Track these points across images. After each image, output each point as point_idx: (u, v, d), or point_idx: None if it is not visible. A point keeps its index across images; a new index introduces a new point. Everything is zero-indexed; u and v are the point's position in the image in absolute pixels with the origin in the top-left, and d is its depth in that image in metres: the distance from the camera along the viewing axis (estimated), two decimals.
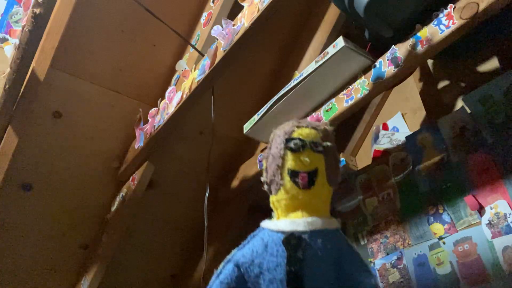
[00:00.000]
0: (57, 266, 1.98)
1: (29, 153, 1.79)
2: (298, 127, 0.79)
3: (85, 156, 1.93)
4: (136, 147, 1.86)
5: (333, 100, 1.40)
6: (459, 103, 1.55)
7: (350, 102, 1.32)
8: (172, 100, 1.67)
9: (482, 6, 0.99)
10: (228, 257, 0.78)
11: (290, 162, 0.76)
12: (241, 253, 0.75)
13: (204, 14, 1.78)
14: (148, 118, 1.82)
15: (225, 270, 0.75)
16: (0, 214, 1.82)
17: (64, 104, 1.81)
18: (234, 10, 1.59)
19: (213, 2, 1.75)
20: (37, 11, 1.35)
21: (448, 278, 1.37)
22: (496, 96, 1.34)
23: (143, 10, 1.55)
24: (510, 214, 1.24)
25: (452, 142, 1.43)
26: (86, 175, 1.96)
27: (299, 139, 0.77)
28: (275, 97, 1.47)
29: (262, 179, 0.81)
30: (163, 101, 1.76)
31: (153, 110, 1.81)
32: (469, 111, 1.41)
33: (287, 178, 0.76)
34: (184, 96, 1.61)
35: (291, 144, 0.77)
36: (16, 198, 1.83)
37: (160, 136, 1.76)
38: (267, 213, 0.84)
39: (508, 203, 1.24)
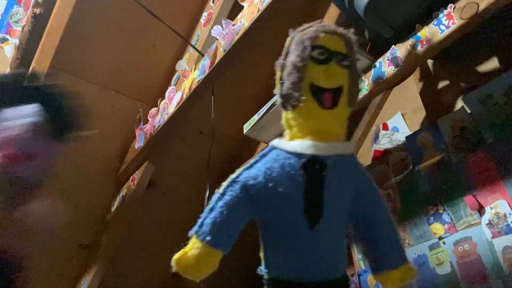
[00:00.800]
0: (57, 266, 1.98)
1: None
2: (324, 32, 0.66)
3: (85, 156, 1.93)
4: (136, 147, 1.86)
5: None
6: (459, 103, 1.55)
7: None
8: (172, 100, 1.67)
9: (482, 6, 0.99)
10: (233, 176, 0.67)
11: (313, 75, 0.65)
12: (250, 174, 0.66)
13: (204, 14, 1.78)
14: (148, 118, 1.82)
15: (231, 191, 0.65)
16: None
17: None
18: (234, 10, 1.59)
19: (213, 2, 1.75)
20: (37, 11, 1.35)
21: (448, 278, 1.37)
22: (496, 96, 1.34)
23: (143, 10, 1.55)
24: (510, 214, 1.24)
25: (452, 142, 1.43)
26: (86, 175, 1.96)
27: (326, 48, 0.66)
28: (275, 97, 1.46)
29: (276, 91, 0.71)
30: (163, 101, 1.76)
31: (153, 110, 1.81)
32: (469, 111, 1.41)
33: (308, 93, 0.65)
34: (184, 96, 1.61)
35: (316, 54, 0.65)
36: None
37: (160, 136, 1.76)
38: None
39: (508, 203, 1.24)
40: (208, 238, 0.62)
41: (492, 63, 1.51)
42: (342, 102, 0.66)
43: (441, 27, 1.08)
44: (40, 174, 0.88)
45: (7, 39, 1.64)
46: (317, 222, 0.61)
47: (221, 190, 0.67)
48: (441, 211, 1.42)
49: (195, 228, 0.65)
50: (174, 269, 0.62)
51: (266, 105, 1.50)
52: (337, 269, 0.64)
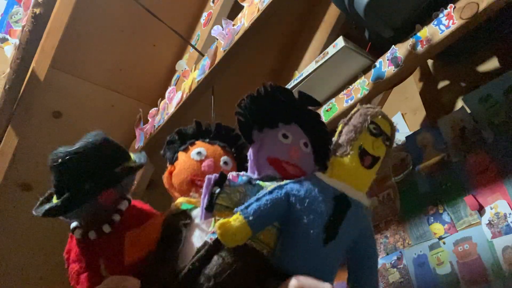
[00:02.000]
0: (57, 265, 1.97)
1: (29, 153, 1.79)
2: (382, 116, 0.89)
3: None
4: (136, 147, 1.86)
5: (333, 100, 1.40)
6: (459, 103, 1.55)
7: (350, 102, 1.32)
8: (172, 100, 1.68)
9: (482, 6, 0.99)
10: (281, 183, 0.83)
11: (364, 141, 0.86)
12: (295, 186, 0.83)
13: (204, 14, 1.78)
14: (148, 118, 1.82)
15: (277, 192, 0.81)
16: (0, 214, 1.83)
17: (64, 104, 1.81)
18: (234, 10, 1.59)
19: (213, 2, 1.75)
20: (37, 11, 1.35)
21: (448, 278, 1.37)
22: (496, 96, 1.34)
23: (143, 10, 1.55)
24: (510, 214, 1.24)
25: (452, 142, 1.43)
26: None
27: (379, 126, 0.88)
28: None
29: (333, 138, 0.89)
30: (163, 101, 1.76)
31: (153, 110, 1.81)
32: (469, 111, 1.41)
33: (356, 151, 0.85)
34: (184, 96, 1.61)
35: (372, 127, 0.87)
36: (16, 198, 1.83)
37: (160, 136, 1.76)
38: None
39: (508, 203, 1.25)
40: (251, 218, 0.76)
41: (492, 63, 1.51)
42: (375, 167, 0.87)
43: (441, 27, 1.08)
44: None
45: (7, 39, 1.64)
46: (330, 240, 0.80)
47: (270, 189, 0.81)
48: (441, 211, 1.42)
49: (242, 207, 0.77)
50: (215, 230, 0.75)
51: None
52: (329, 280, 0.80)
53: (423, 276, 1.44)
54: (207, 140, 1.07)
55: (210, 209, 0.79)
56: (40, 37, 1.47)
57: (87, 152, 0.95)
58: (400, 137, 1.75)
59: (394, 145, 1.71)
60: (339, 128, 0.90)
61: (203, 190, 0.80)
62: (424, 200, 1.47)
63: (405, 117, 1.86)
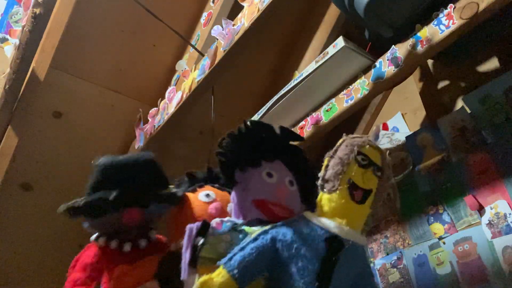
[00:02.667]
0: (57, 266, 1.97)
1: (29, 153, 1.79)
2: (369, 145, 0.82)
3: (85, 156, 1.92)
4: (136, 147, 1.86)
5: (333, 100, 1.39)
6: (459, 103, 1.55)
7: (350, 102, 1.32)
8: (172, 100, 1.67)
9: (482, 6, 0.99)
10: (266, 228, 0.77)
11: (353, 173, 0.79)
12: (281, 230, 0.76)
13: (204, 14, 1.78)
14: (148, 118, 1.82)
15: (262, 238, 0.75)
16: (0, 214, 1.82)
17: (64, 104, 1.81)
18: (234, 10, 1.59)
19: (213, 2, 1.75)
20: (37, 11, 1.35)
21: (448, 278, 1.37)
22: (496, 96, 1.34)
23: (143, 10, 1.55)
24: (510, 214, 1.24)
25: (452, 142, 1.43)
26: (86, 175, 1.96)
27: (368, 157, 0.81)
28: (275, 97, 1.46)
29: (320, 174, 0.82)
30: (163, 101, 1.76)
31: (153, 110, 1.81)
32: (469, 111, 1.41)
33: (345, 186, 0.78)
34: (184, 96, 1.61)
35: (360, 158, 0.80)
36: (16, 198, 1.83)
37: (160, 136, 1.76)
38: None
39: (508, 203, 1.25)
40: (235, 271, 0.70)
41: (492, 63, 1.51)
42: (368, 201, 0.80)
43: (441, 27, 1.08)
44: None
45: (7, 39, 1.64)
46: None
47: (254, 235, 0.75)
48: (441, 211, 1.42)
49: (224, 260, 0.72)
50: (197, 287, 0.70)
51: (266, 105, 1.50)
52: None
53: (423, 276, 1.44)
54: (217, 186, 1.04)
55: (194, 264, 0.72)
56: (40, 37, 1.47)
57: (132, 164, 0.94)
58: (400, 137, 1.75)
59: (394, 144, 1.71)
60: (325, 162, 0.82)
61: (185, 241, 0.75)
62: (424, 200, 1.48)
63: (405, 117, 1.86)
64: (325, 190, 0.79)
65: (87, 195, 0.95)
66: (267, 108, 1.49)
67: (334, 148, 0.83)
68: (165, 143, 1.92)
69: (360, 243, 0.80)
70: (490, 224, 1.28)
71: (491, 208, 1.28)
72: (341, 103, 1.36)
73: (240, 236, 0.78)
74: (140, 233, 0.98)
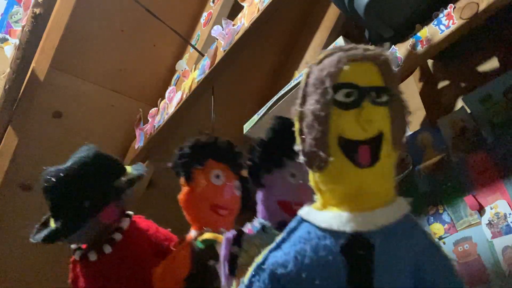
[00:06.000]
0: (57, 266, 1.97)
1: (29, 153, 1.79)
2: (350, 60, 0.50)
3: None
4: (136, 147, 1.86)
5: None
6: (459, 103, 1.55)
7: None
8: (172, 100, 1.68)
9: (482, 6, 0.99)
10: (259, 261, 0.54)
11: (340, 126, 0.49)
12: (278, 259, 0.52)
13: (204, 14, 1.78)
14: (148, 118, 1.82)
15: (258, 282, 0.53)
16: (0, 214, 1.82)
17: (64, 104, 1.81)
18: (234, 10, 1.59)
19: (213, 2, 1.75)
20: (37, 11, 1.35)
21: None
22: (496, 96, 1.34)
23: (143, 10, 1.55)
24: (510, 214, 1.24)
25: (452, 142, 1.43)
26: None
27: (353, 84, 0.49)
28: (275, 97, 1.46)
29: (296, 147, 0.55)
30: (163, 101, 1.76)
31: (153, 110, 1.81)
32: (469, 111, 1.41)
33: (337, 151, 0.50)
34: (184, 96, 1.61)
35: (341, 97, 0.49)
36: (16, 198, 1.83)
37: (160, 136, 1.76)
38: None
39: (508, 203, 1.24)
40: None
41: (492, 63, 1.51)
42: (384, 152, 0.51)
43: (441, 27, 1.08)
44: None
45: (7, 39, 1.64)
46: None
47: (246, 280, 0.54)
48: (441, 211, 1.42)
49: None
50: None
51: (266, 105, 1.50)
52: None
53: None
54: (218, 159, 1.03)
55: (233, 273, 0.69)
56: (40, 37, 1.48)
57: (80, 169, 0.91)
58: None
59: None
60: (296, 125, 0.55)
61: (222, 251, 0.73)
62: (424, 200, 1.47)
63: None
64: (313, 168, 0.53)
65: (54, 216, 0.93)
66: (267, 108, 1.49)
67: (301, 93, 0.54)
68: (165, 143, 1.92)
69: (399, 216, 0.53)
70: (490, 224, 1.28)
71: (491, 208, 1.28)
72: None
73: (269, 237, 0.72)
74: (103, 240, 0.95)
